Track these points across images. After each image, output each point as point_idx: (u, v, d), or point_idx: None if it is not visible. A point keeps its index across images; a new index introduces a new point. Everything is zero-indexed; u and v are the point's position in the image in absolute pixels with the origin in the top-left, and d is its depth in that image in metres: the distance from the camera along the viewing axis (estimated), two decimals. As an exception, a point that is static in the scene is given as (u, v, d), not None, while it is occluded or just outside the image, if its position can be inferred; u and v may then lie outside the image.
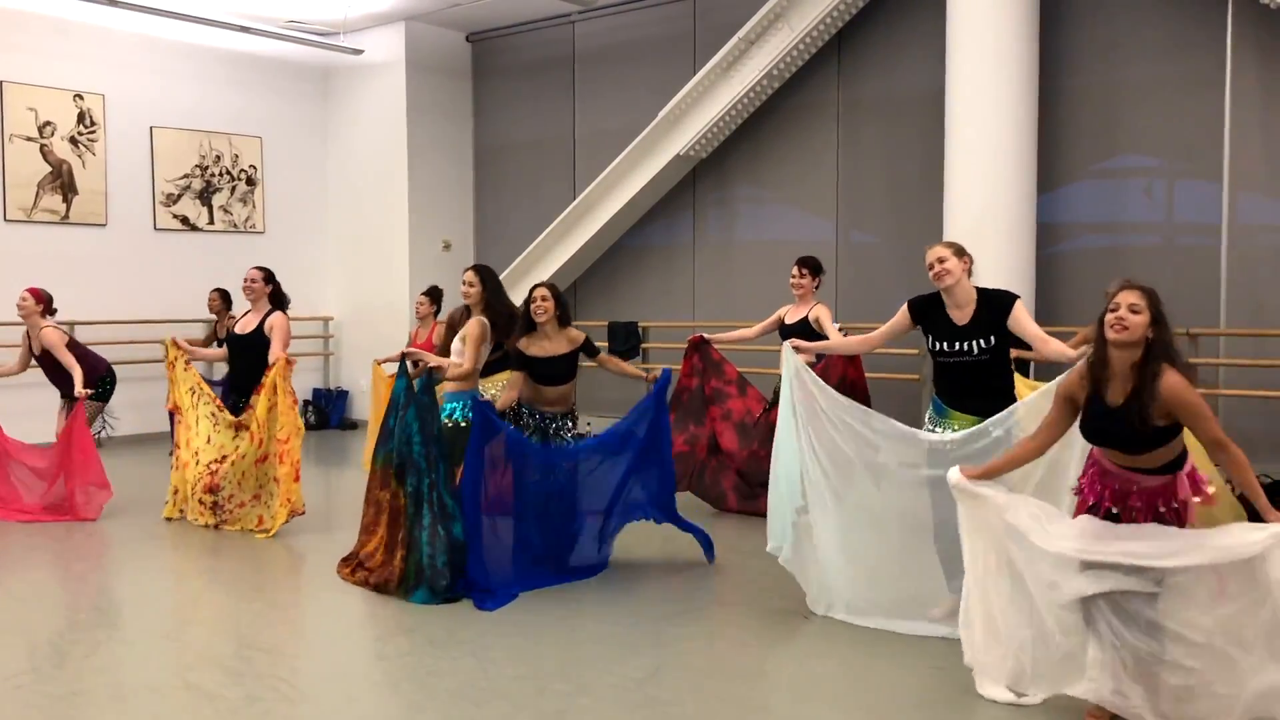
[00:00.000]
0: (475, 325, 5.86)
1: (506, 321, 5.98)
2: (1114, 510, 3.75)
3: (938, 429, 4.82)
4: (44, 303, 7.61)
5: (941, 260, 4.77)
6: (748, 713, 4.09)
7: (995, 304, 4.76)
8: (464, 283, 6.00)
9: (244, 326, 7.16)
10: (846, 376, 6.86)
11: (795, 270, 7.14)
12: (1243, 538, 3.52)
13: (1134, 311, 3.65)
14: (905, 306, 4.96)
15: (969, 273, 4.81)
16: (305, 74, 12.28)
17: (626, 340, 10.49)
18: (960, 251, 4.80)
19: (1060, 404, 3.90)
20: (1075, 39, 8.52)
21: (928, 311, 4.87)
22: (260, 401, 6.78)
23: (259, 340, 7.01)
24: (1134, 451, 3.70)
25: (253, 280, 7.13)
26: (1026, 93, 8.15)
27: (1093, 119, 8.52)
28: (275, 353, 6.87)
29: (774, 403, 6.75)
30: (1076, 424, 3.90)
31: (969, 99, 8.15)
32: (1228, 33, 7.89)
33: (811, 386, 5.01)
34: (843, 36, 9.58)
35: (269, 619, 5.34)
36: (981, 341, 4.72)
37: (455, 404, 5.79)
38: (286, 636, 5.10)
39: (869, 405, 5.52)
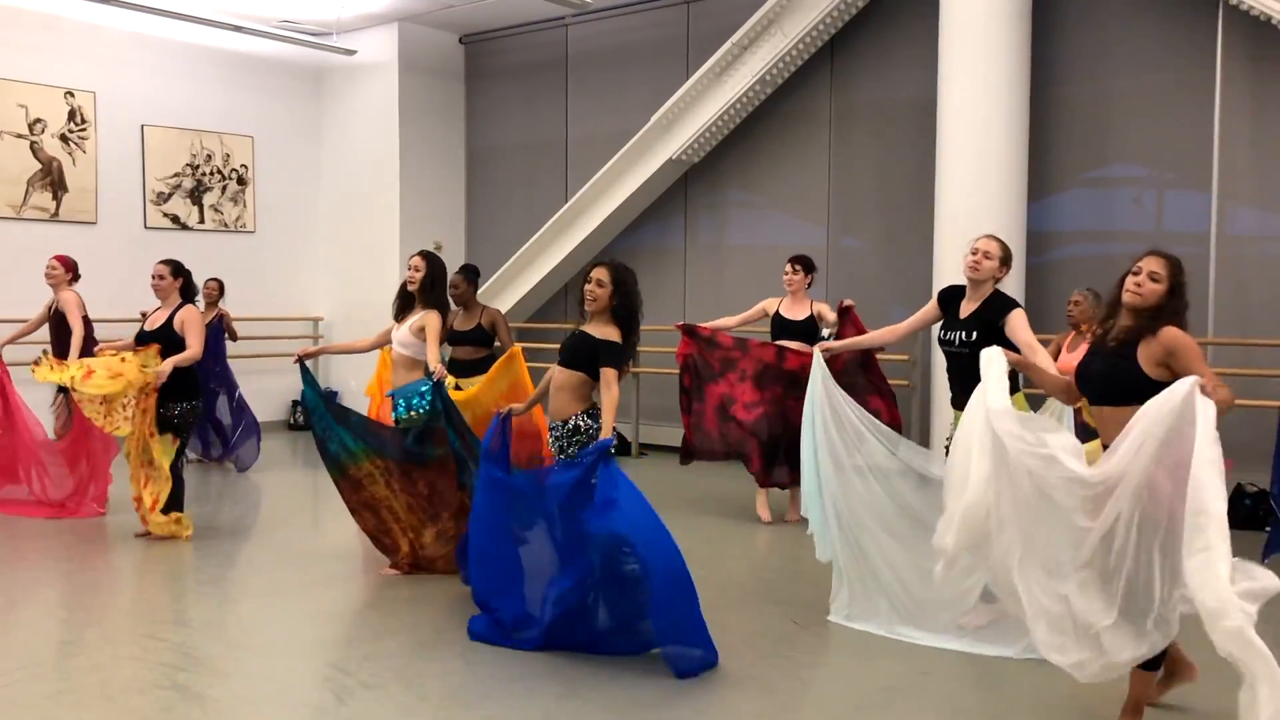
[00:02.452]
0: (435, 318, 5.84)
1: (443, 313, 5.98)
2: None
3: (951, 431, 4.86)
4: (71, 270, 8.02)
5: (988, 255, 4.86)
6: (737, 718, 4.10)
7: (996, 305, 4.84)
8: (411, 266, 5.98)
9: (153, 323, 6.79)
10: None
11: (789, 267, 7.32)
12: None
13: (1153, 280, 3.75)
14: (935, 296, 5.09)
15: (998, 280, 4.91)
16: (298, 74, 12.27)
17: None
18: (1005, 260, 4.90)
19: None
20: (1066, 48, 8.57)
21: (950, 300, 4.99)
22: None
23: (169, 336, 6.61)
24: (1108, 398, 3.70)
25: (160, 276, 6.82)
26: (1017, 101, 8.19)
27: (1083, 128, 8.56)
28: (193, 350, 6.53)
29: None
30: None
31: (960, 106, 8.19)
32: (1218, 43, 7.95)
33: (838, 398, 5.08)
34: (835, 43, 9.61)
35: (258, 619, 5.33)
36: (964, 334, 4.82)
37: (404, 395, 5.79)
38: (276, 637, 5.09)
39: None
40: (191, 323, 6.62)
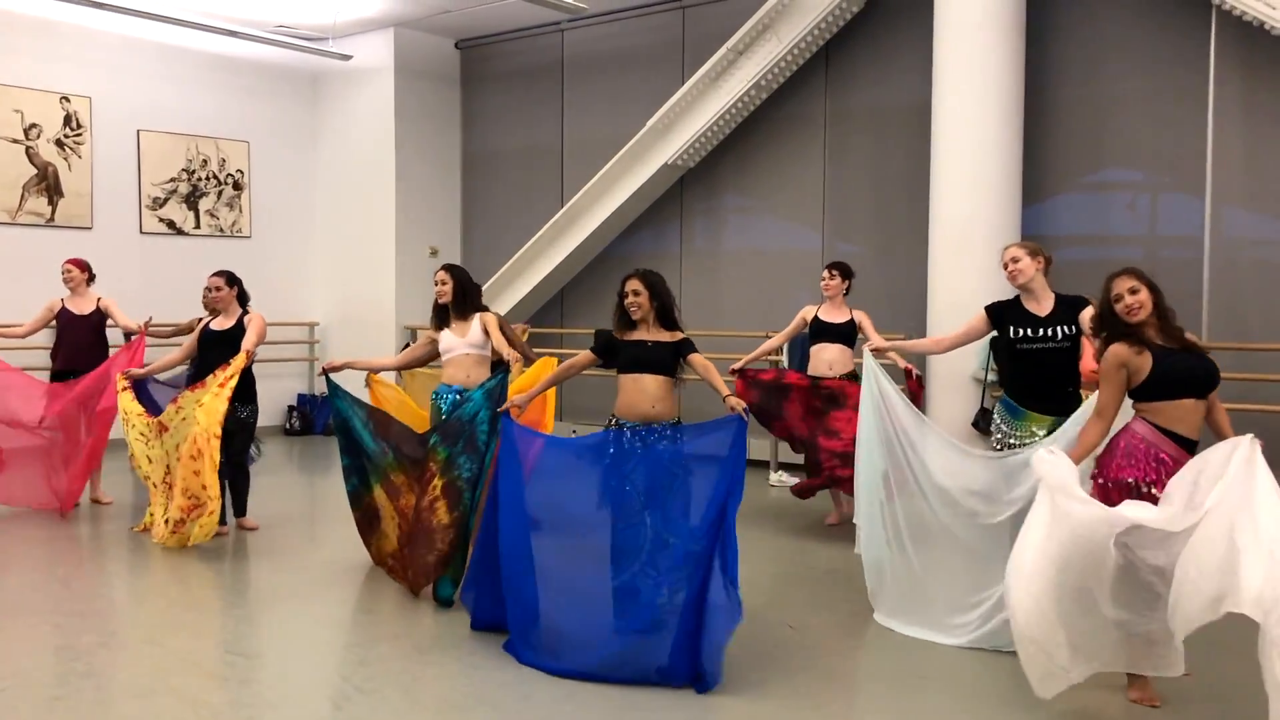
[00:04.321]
0: (492, 315, 6.12)
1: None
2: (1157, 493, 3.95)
3: (1014, 433, 4.98)
4: (88, 271, 8.05)
5: (1015, 260, 5.00)
6: (731, 717, 4.11)
7: (1071, 301, 4.98)
8: (438, 281, 6.15)
9: (221, 325, 7.07)
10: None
11: (826, 273, 7.45)
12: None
13: (1134, 293, 4.13)
14: (983, 310, 5.15)
15: (1045, 271, 5.02)
16: (293, 79, 12.27)
17: (613, 348, 10.51)
18: (1035, 252, 5.02)
19: (1115, 374, 4.11)
20: (1061, 53, 8.59)
21: (1005, 311, 5.05)
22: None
23: (239, 338, 6.92)
24: (1211, 387, 4.09)
25: (217, 289, 7.07)
26: (1012, 105, 8.21)
27: (1078, 132, 8.59)
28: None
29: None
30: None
31: (955, 111, 8.20)
32: (1210, 48, 7.97)
33: (892, 394, 5.20)
34: (830, 48, 9.63)
35: (254, 624, 5.33)
36: (1066, 328, 4.91)
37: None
38: (271, 642, 5.09)
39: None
40: (255, 322, 7.00)
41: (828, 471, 6.96)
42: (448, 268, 6.21)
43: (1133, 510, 3.85)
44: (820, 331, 7.36)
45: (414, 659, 4.70)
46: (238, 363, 6.65)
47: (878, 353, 5.40)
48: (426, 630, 5.09)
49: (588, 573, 4.79)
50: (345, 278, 12.31)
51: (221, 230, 11.78)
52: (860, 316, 7.29)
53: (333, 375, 6.17)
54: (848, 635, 5.16)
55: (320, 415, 12.20)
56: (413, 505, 5.65)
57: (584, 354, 5.14)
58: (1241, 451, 3.76)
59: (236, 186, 11.89)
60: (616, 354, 4.98)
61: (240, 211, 11.94)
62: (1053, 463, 4.00)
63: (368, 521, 6.05)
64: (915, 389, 7.03)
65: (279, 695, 4.30)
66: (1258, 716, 3.67)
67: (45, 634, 5.11)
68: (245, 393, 6.89)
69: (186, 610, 5.66)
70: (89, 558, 6.62)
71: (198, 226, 11.58)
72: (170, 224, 11.36)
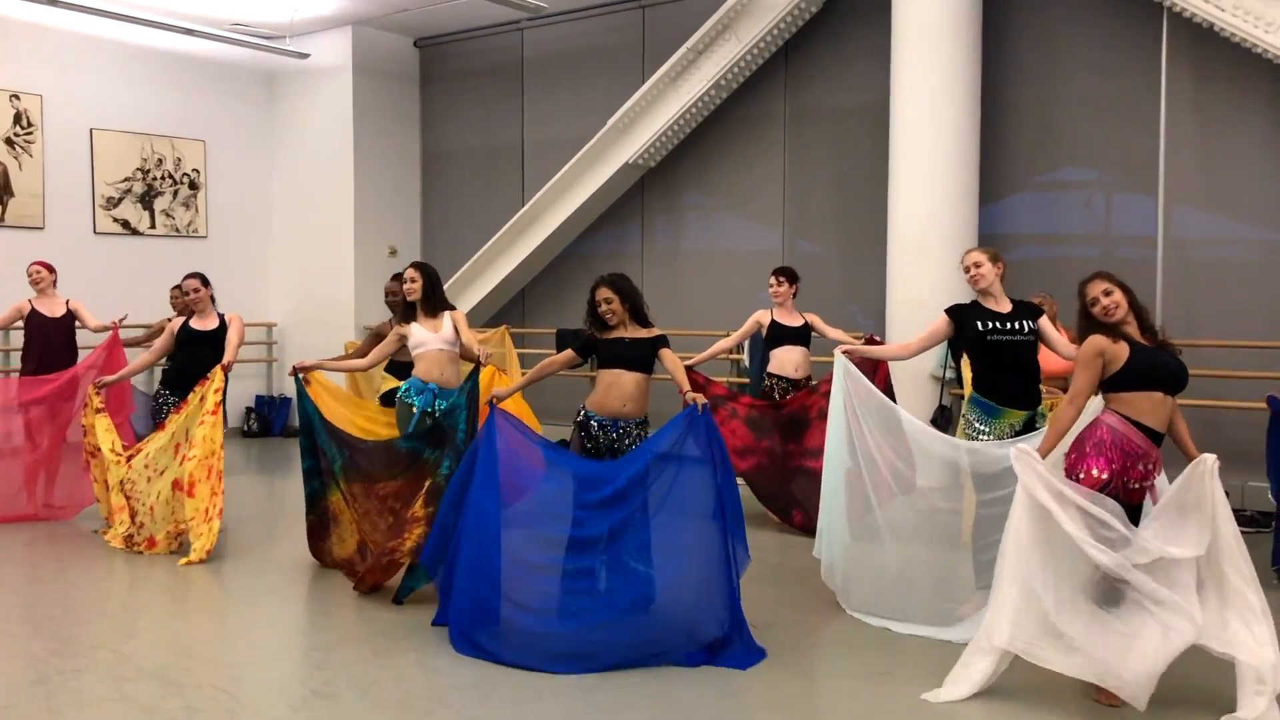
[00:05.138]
0: (459, 313, 6.23)
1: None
2: (1132, 485, 4.22)
3: (991, 433, 5.08)
4: (55, 272, 8.03)
5: (978, 265, 5.22)
6: (694, 718, 4.10)
7: (1027, 305, 5.26)
8: (407, 279, 6.17)
9: (203, 326, 7.13)
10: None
11: (773, 279, 7.51)
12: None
13: (1108, 294, 4.30)
14: (944, 313, 5.31)
15: (1001, 277, 5.26)
16: (250, 77, 12.14)
17: (574, 348, 10.49)
18: (995, 258, 5.27)
19: (1093, 361, 4.24)
20: (1016, 54, 8.67)
21: (967, 311, 5.24)
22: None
23: (223, 338, 7.05)
24: (1181, 384, 4.27)
25: (195, 290, 7.11)
26: (969, 105, 8.29)
27: (1034, 132, 8.68)
28: (231, 345, 6.99)
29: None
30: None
31: (913, 111, 8.26)
32: (1163, 50, 8.08)
33: (865, 391, 5.27)
34: (789, 48, 9.67)
35: (210, 628, 5.27)
36: (1029, 323, 5.14)
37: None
38: (226, 646, 5.03)
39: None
40: (236, 326, 7.08)
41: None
42: (417, 265, 6.24)
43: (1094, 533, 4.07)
44: (781, 336, 7.45)
45: (371, 662, 4.67)
46: (218, 381, 6.61)
47: (849, 354, 5.45)
48: (384, 632, 5.06)
49: (551, 560, 4.89)
50: (303, 278, 12.20)
51: (177, 230, 11.63)
52: (812, 318, 7.42)
53: (302, 375, 6.18)
54: (817, 629, 5.17)
55: (278, 417, 12.10)
56: (372, 512, 5.69)
57: (565, 353, 5.32)
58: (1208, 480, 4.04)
59: (192, 186, 11.75)
60: (597, 351, 5.21)
61: (196, 211, 11.80)
62: (1028, 460, 4.16)
63: (322, 525, 6.06)
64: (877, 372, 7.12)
65: (235, 700, 4.25)
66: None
67: (-5, 641, 5.02)
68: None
69: (138, 616, 5.58)
70: (42, 562, 6.51)
71: (153, 227, 11.43)
72: (125, 224, 11.21)
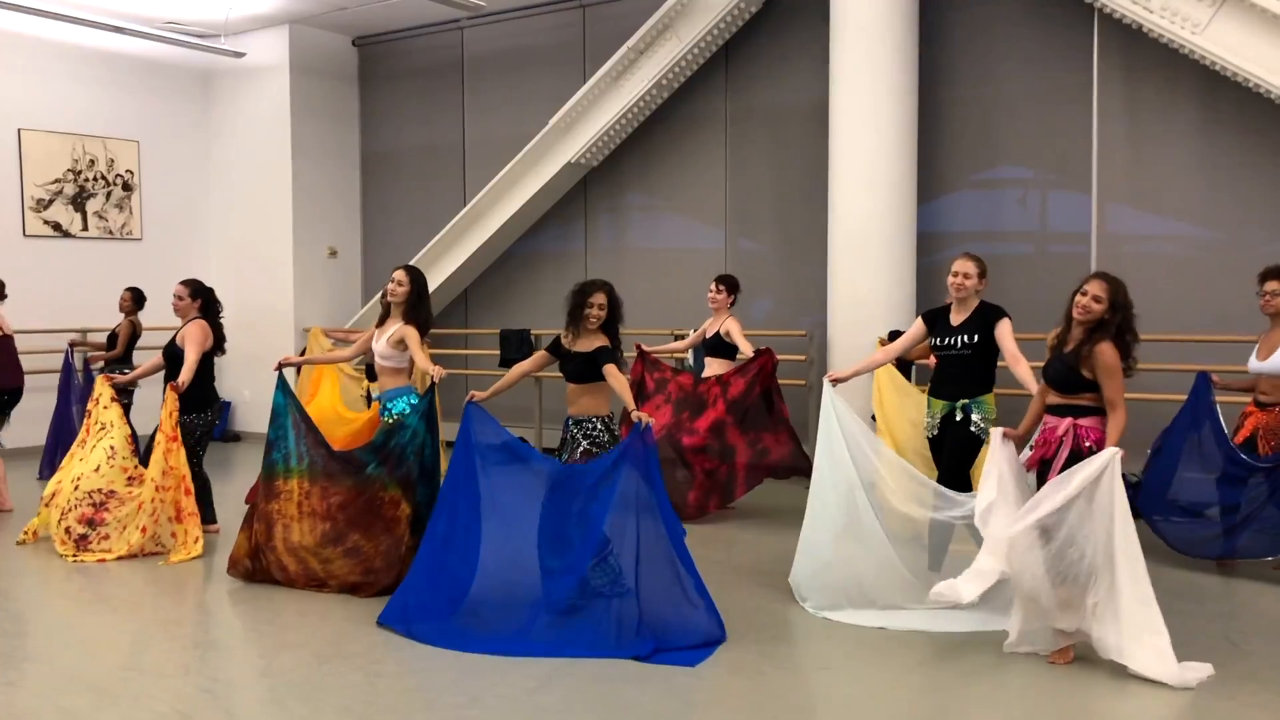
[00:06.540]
0: (414, 330, 5.95)
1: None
2: (1047, 458, 4.62)
3: (926, 412, 5.73)
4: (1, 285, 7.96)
5: (966, 275, 5.53)
6: (640, 719, 4.11)
7: (988, 313, 5.52)
8: (395, 280, 6.08)
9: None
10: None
11: (713, 286, 7.58)
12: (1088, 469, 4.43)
13: (1096, 301, 4.54)
14: (919, 318, 5.76)
15: (979, 292, 5.57)
16: (185, 76, 11.94)
17: (519, 349, 10.42)
18: (984, 272, 5.57)
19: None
20: (952, 54, 8.80)
21: (936, 317, 5.67)
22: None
23: (176, 351, 6.94)
24: (1064, 389, 4.59)
25: (179, 297, 7.09)
26: (907, 105, 8.38)
27: (970, 131, 8.80)
28: (188, 360, 6.80)
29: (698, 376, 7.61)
30: None
31: (851, 110, 8.34)
32: (1094, 50, 8.24)
33: (851, 424, 5.43)
34: (730, 48, 9.71)
35: (149, 637, 5.18)
36: (966, 337, 5.48)
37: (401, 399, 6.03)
38: (166, 656, 4.94)
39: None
40: (190, 337, 6.82)
41: (697, 469, 7.26)
42: (408, 269, 6.13)
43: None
44: (710, 345, 7.57)
45: (315, 668, 4.61)
46: (171, 404, 6.54)
47: (837, 382, 5.54)
48: (327, 639, 5.00)
49: (523, 554, 5.09)
50: (241, 280, 12.02)
51: (111, 233, 11.41)
52: (729, 325, 7.42)
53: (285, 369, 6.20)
54: (766, 626, 5.20)
55: (221, 420, 11.90)
56: (317, 514, 5.74)
57: (539, 354, 5.59)
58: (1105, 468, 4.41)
59: (126, 187, 11.54)
60: (560, 360, 5.44)
61: (130, 213, 11.59)
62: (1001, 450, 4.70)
63: (268, 498, 5.93)
64: (768, 366, 7.29)
65: (174, 710, 4.18)
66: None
67: (-77, 656, 4.89)
68: (193, 403, 6.79)
69: (74, 626, 5.46)
70: (-29, 574, 6.36)
71: (85, 229, 11.20)
72: (56, 226, 10.98)
